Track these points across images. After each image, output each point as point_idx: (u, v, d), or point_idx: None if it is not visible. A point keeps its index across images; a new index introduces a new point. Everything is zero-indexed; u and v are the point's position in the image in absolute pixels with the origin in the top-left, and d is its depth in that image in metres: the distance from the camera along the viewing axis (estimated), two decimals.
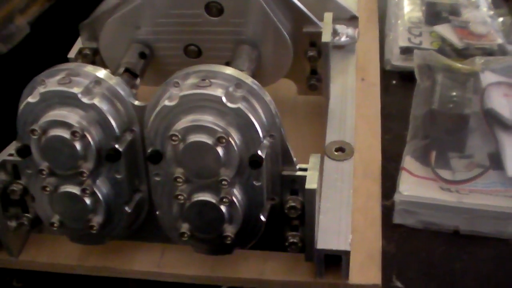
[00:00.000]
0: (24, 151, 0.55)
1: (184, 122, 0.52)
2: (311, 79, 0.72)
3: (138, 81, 0.67)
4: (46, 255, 0.63)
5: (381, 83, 0.80)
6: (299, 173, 0.55)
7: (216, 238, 0.55)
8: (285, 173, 0.55)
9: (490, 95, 0.72)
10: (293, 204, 0.55)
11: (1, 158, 0.59)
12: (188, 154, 0.52)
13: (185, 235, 0.55)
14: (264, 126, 0.53)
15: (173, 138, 0.51)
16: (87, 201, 0.55)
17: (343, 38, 0.78)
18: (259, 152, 0.52)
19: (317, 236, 0.57)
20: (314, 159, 0.57)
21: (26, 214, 0.61)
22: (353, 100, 0.72)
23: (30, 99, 0.54)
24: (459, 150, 0.69)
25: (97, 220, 0.56)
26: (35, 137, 0.53)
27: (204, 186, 0.53)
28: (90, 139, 0.53)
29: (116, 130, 0.54)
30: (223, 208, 0.53)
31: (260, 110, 0.53)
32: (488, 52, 0.82)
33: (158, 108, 0.53)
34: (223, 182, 0.52)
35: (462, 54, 0.82)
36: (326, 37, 0.67)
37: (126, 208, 0.57)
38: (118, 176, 0.56)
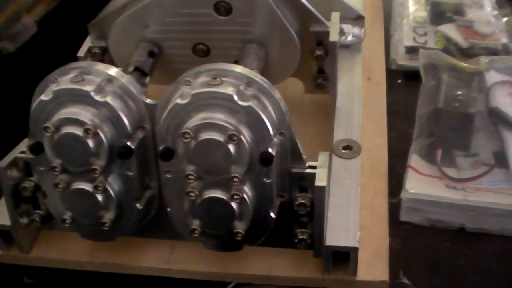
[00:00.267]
0: (37, 148, 0.56)
1: (196, 119, 0.52)
2: (318, 78, 0.73)
3: (147, 79, 0.68)
4: (57, 252, 0.64)
5: (387, 82, 0.81)
6: (308, 170, 0.56)
7: (226, 235, 0.56)
8: (294, 170, 0.56)
9: (495, 94, 0.73)
10: (302, 201, 0.56)
11: (13, 155, 0.59)
12: (200, 152, 0.52)
13: (196, 232, 0.55)
14: (274, 124, 0.54)
15: (185, 135, 0.52)
16: (99, 197, 0.56)
17: (349, 38, 0.79)
18: (270, 150, 0.53)
19: (326, 233, 0.57)
20: (323, 157, 0.57)
21: (37, 211, 0.62)
22: (360, 99, 0.72)
23: (43, 97, 0.55)
24: (464, 149, 0.70)
25: (108, 216, 0.57)
26: (48, 134, 0.54)
27: (215, 183, 0.54)
28: (102, 136, 0.54)
29: (128, 127, 0.55)
30: (233, 204, 0.54)
31: (270, 108, 0.54)
32: (492, 52, 0.82)
33: (170, 106, 0.53)
34: (234, 179, 0.53)
35: (467, 53, 0.83)
36: (333, 37, 0.68)
37: (137, 205, 0.58)
38: (130, 173, 0.56)
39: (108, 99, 0.54)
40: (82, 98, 0.54)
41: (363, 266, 0.59)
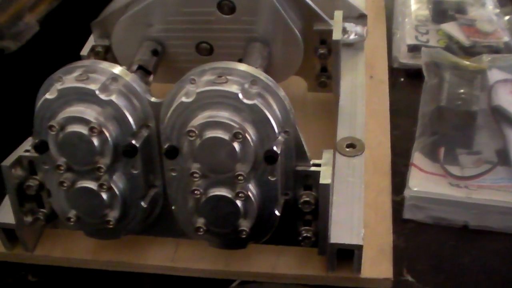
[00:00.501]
0: (41, 147, 0.56)
1: (201, 118, 0.53)
2: (321, 77, 0.73)
3: (151, 78, 0.68)
4: (61, 250, 0.64)
5: (389, 81, 0.81)
6: (313, 168, 0.56)
7: (231, 233, 0.56)
8: (299, 168, 0.56)
9: (497, 92, 0.73)
10: (307, 199, 0.56)
11: (17, 154, 0.60)
12: (205, 150, 0.53)
13: (201, 230, 0.55)
14: (279, 122, 0.54)
15: (190, 134, 0.52)
16: (104, 196, 0.56)
17: (352, 36, 0.79)
18: (275, 148, 0.53)
19: (330, 231, 0.58)
20: (327, 155, 0.57)
21: (42, 209, 0.62)
22: (363, 97, 0.73)
23: (48, 96, 0.55)
24: (467, 147, 0.70)
25: (113, 215, 0.57)
26: (53, 133, 0.54)
27: (220, 181, 0.54)
28: (107, 135, 0.54)
29: (133, 126, 0.55)
30: (238, 203, 0.54)
31: (275, 106, 0.54)
32: (494, 50, 0.82)
33: (175, 105, 0.54)
34: (239, 177, 0.53)
35: (469, 52, 0.83)
36: (337, 35, 0.68)
37: (142, 203, 0.58)
38: (135, 172, 0.56)
39: (113, 98, 0.55)
40: (87, 97, 0.54)
41: (367, 264, 0.59)
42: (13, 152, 0.60)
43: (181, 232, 0.60)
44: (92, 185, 0.56)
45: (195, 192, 0.54)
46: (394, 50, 0.86)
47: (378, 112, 0.75)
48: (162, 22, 0.70)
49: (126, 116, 0.55)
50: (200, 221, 0.56)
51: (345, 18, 0.78)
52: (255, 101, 0.52)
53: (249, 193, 0.54)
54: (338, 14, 0.71)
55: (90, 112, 0.54)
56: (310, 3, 0.69)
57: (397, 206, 0.66)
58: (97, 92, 0.54)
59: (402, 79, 0.84)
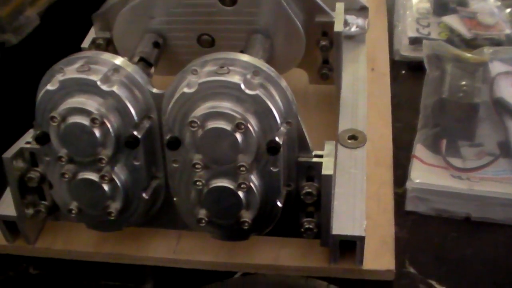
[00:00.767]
0: (43, 138, 0.56)
1: (203, 108, 0.52)
2: (323, 69, 0.73)
3: (152, 70, 0.68)
4: (62, 242, 0.64)
5: (391, 73, 0.81)
6: (315, 159, 0.56)
7: (233, 224, 0.56)
8: (301, 159, 0.56)
9: (499, 84, 0.73)
10: (309, 190, 0.56)
11: (18, 146, 0.59)
12: (207, 140, 0.52)
13: (203, 221, 0.55)
14: (281, 112, 0.54)
15: (192, 124, 0.52)
16: (106, 187, 0.56)
17: (354, 29, 0.79)
18: (277, 139, 0.53)
19: (332, 222, 0.57)
20: (329, 146, 0.57)
21: (43, 202, 0.62)
22: (364, 89, 0.72)
23: (49, 87, 0.55)
24: (469, 139, 0.70)
25: (115, 206, 0.57)
26: (54, 124, 0.54)
27: (222, 172, 0.54)
28: (109, 126, 0.54)
29: (135, 117, 0.55)
30: (240, 194, 0.54)
31: (277, 97, 0.54)
32: (496, 43, 0.82)
33: (177, 95, 0.53)
34: (241, 168, 0.53)
35: (471, 44, 0.82)
36: (338, 27, 0.68)
37: (144, 195, 0.58)
38: (136, 163, 0.56)
39: (115, 89, 0.54)
40: (89, 88, 0.54)
41: (369, 256, 0.59)
42: (14, 144, 0.60)
43: (183, 224, 0.60)
44: (93, 176, 0.56)
45: (197, 183, 0.54)
46: (395, 42, 0.86)
47: (380, 105, 0.75)
48: (163, 14, 0.69)
49: (127, 107, 0.55)
50: (202, 213, 0.55)
51: (347, 11, 0.78)
52: (257, 92, 0.52)
53: (251, 184, 0.54)
54: (340, 6, 0.71)
55: (91, 103, 0.54)
56: None
57: (399, 198, 0.66)
58: (98, 83, 0.54)
59: (403, 72, 0.83)
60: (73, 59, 0.56)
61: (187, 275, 0.61)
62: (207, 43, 0.71)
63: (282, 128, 0.54)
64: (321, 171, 0.55)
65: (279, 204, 0.56)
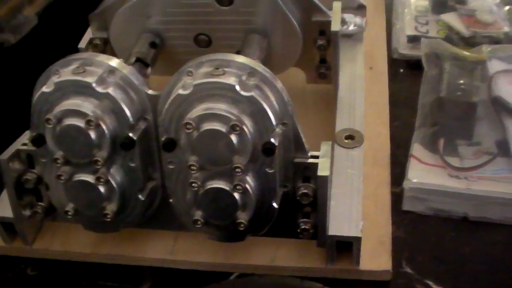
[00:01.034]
0: (38, 140, 0.56)
1: (198, 110, 0.52)
2: (320, 68, 0.72)
3: (149, 70, 0.68)
4: (60, 243, 0.64)
5: (389, 72, 0.81)
6: (311, 160, 0.56)
7: (229, 225, 0.56)
8: (297, 160, 0.56)
9: (497, 83, 0.73)
10: (305, 191, 0.56)
11: (15, 147, 0.59)
12: (202, 142, 0.52)
13: (199, 222, 0.55)
14: (277, 113, 0.54)
15: (187, 126, 0.52)
16: (102, 189, 0.56)
17: (351, 27, 0.79)
18: (272, 140, 0.53)
19: (329, 223, 0.57)
20: (325, 147, 0.57)
21: (40, 203, 0.62)
22: (362, 88, 0.72)
23: (45, 89, 0.55)
24: (467, 138, 0.69)
25: (111, 208, 0.57)
26: (50, 126, 0.54)
27: (217, 173, 0.54)
28: (104, 127, 0.54)
29: (130, 118, 0.55)
30: (236, 195, 0.54)
31: (272, 98, 0.54)
32: (494, 41, 0.82)
33: (172, 97, 0.53)
34: (237, 170, 0.53)
35: (469, 42, 0.82)
36: (335, 26, 0.68)
37: (140, 196, 0.58)
38: (132, 165, 0.56)
39: (110, 90, 0.54)
40: (84, 90, 0.54)
41: (366, 256, 0.59)
42: (11, 145, 0.60)
43: (180, 224, 0.60)
44: (89, 178, 0.56)
45: (193, 184, 0.54)
46: (393, 41, 0.86)
47: (378, 104, 0.75)
48: (160, 14, 0.69)
49: (123, 109, 0.55)
50: (198, 214, 0.55)
51: (344, 9, 0.78)
52: (252, 93, 0.52)
53: (247, 185, 0.54)
54: (337, 5, 0.70)
55: (87, 105, 0.54)
56: None
57: (397, 197, 0.66)
58: (93, 85, 0.54)
59: (401, 70, 0.83)
60: (68, 61, 0.56)
61: (185, 275, 0.61)
62: (204, 43, 0.71)
63: (277, 129, 0.54)
64: (317, 172, 0.55)
65: (275, 205, 0.56)
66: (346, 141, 0.66)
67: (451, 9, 0.87)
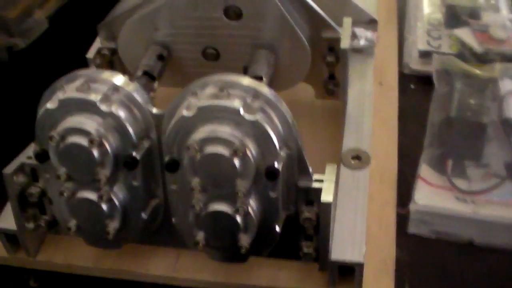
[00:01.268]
0: (42, 156, 0.56)
1: (201, 132, 0.52)
2: (329, 84, 0.72)
3: (156, 84, 0.67)
4: (63, 256, 0.64)
5: (399, 87, 0.80)
6: (315, 184, 0.55)
7: (231, 246, 0.55)
8: (301, 184, 0.55)
9: (508, 103, 0.72)
10: (308, 215, 0.55)
11: (19, 160, 0.59)
12: (205, 165, 0.52)
13: (200, 244, 0.55)
14: (281, 137, 0.53)
15: (190, 149, 0.51)
16: (104, 207, 0.56)
17: (362, 42, 0.77)
18: (276, 164, 0.52)
19: (331, 246, 0.57)
20: (330, 170, 0.57)
21: (44, 216, 0.62)
22: (370, 106, 0.71)
23: (49, 105, 0.55)
24: (476, 159, 0.69)
25: (113, 225, 0.57)
26: (53, 143, 0.54)
27: (220, 195, 0.54)
28: (107, 146, 0.54)
29: (134, 137, 0.55)
30: (238, 218, 0.53)
31: (277, 121, 0.53)
32: (508, 58, 0.81)
33: (175, 118, 0.53)
34: (239, 193, 0.52)
35: (481, 59, 0.81)
36: (344, 44, 0.67)
37: (142, 214, 0.58)
38: (135, 183, 0.56)
39: (114, 109, 0.54)
40: (88, 107, 0.54)
41: (368, 279, 0.58)
42: (16, 158, 0.60)
43: (182, 242, 0.59)
44: (92, 195, 0.56)
45: (195, 206, 0.54)
46: (405, 55, 0.85)
47: (387, 120, 0.74)
48: (168, 27, 0.69)
49: (126, 128, 0.54)
50: (200, 235, 0.55)
51: (355, 23, 0.77)
52: (256, 117, 0.51)
53: (249, 208, 0.53)
54: (347, 21, 0.70)
55: (90, 123, 0.54)
56: (318, 10, 0.68)
57: (402, 219, 0.65)
58: (97, 103, 0.53)
59: (412, 86, 0.82)
60: (73, 77, 0.56)
61: None
62: (212, 57, 0.70)
63: (281, 153, 0.53)
64: (320, 197, 0.54)
65: (277, 229, 0.55)
66: (353, 161, 0.65)
67: (464, 23, 0.85)
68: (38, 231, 0.62)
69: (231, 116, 0.52)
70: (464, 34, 0.84)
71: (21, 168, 0.59)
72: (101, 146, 0.54)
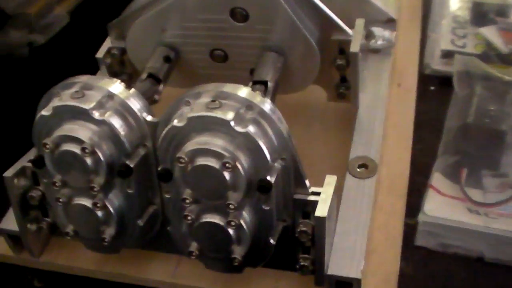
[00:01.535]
0: (39, 162, 0.56)
1: (193, 143, 0.51)
2: (340, 87, 0.69)
3: (161, 87, 0.66)
4: (66, 258, 0.64)
5: (419, 88, 0.77)
6: (311, 197, 0.53)
7: (225, 258, 0.54)
8: (297, 196, 0.54)
9: None
10: (304, 228, 0.54)
11: (21, 164, 0.59)
12: (196, 176, 0.51)
13: (193, 254, 0.54)
14: (275, 149, 0.52)
15: (180, 160, 0.50)
16: (99, 214, 0.55)
17: (380, 42, 0.75)
18: (268, 177, 0.51)
19: (330, 259, 0.55)
20: (329, 182, 0.55)
21: (46, 219, 0.62)
22: (383, 112, 0.69)
23: (44, 112, 0.54)
24: (493, 168, 0.66)
25: (109, 232, 0.56)
26: (47, 150, 0.54)
27: (212, 207, 0.52)
28: (100, 155, 0.53)
29: (127, 146, 0.54)
30: (230, 230, 0.52)
31: (271, 133, 0.51)
32: None
33: (167, 128, 0.52)
34: (231, 206, 0.51)
35: (507, 60, 0.77)
36: (355, 47, 0.64)
37: (139, 222, 0.57)
38: (130, 191, 0.55)
39: (107, 117, 0.53)
40: (82, 115, 0.53)
41: None
42: (17, 161, 0.60)
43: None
44: (87, 202, 0.55)
45: (188, 217, 0.53)
46: (426, 55, 0.81)
47: (401, 125, 0.72)
48: (176, 27, 0.68)
49: (119, 136, 0.53)
50: (193, 245, 0.54)
51: (374, 23, 0.74)
52: (247, 130, 0.50)
53: (242, 220, 0.52)
54: (360, 23, 0.67)
55: (83, 131, 0.53)
56: (327, 11, 0.65)
57: (410, 229, 0.63)
58: (90, 111, 0.53)
59: (432, 88, 0.79)
60: (69, 84, 0.55)
61: None
62: (220, 58, 0.69)
63: (276, 165, 0.52)
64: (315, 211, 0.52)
65: (271, 241, 0.54)
66: (359, 170, 0.63)
67: (491, 22, 0.81)
68: (40, 233, 0.62)
69: (222, 128, 0.50)
70: (490, 32, 0.80)
71: (22, 172, 0.59)
72: (94, 154, 0.53)
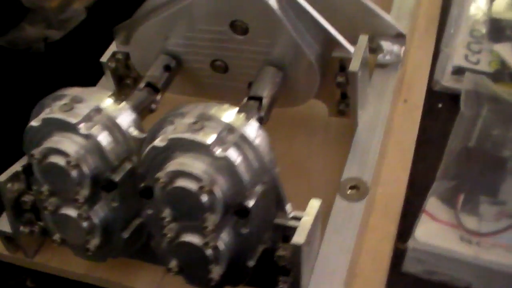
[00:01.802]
0: (28, 170, 0.57)
1: (172, 164, 0.51)
2: (341, 104, 0.68)
3: (159, 96, 0.66)
4: (58, 261, 0.65)
5: (426, 105, 0.75)
6: (290, 223, 0.53)
7: (204, 276, 0.55)
8: (277, 221, 0.54)
9: None
10: (282, 253, 0.53)
11: (14, 169, 0.60)
12: (173, 197, 0.51)
13: (172, 271, 0.55)
14: (256, 173, 0.51)
15: (159, 180, 0.51)
16: (84, 224, 0.56)
17: (388, 57, 0.73)
18: (247, 201, 0.51)
19: (310, 283, 0.55)
20: (312, 206, 0.54)
21: (39, 222, 0.63)
22: (381, 132, 0.67)
23: (34, 123, 0.55)
24: (492, 194, 0.64)
25: (94, 243, 0.57)
26: (35, 161, 0.54)
27: (191, 227, 0.53)
28: (85, 168, 0.54)
29: (113, 160, 0.54)
30: (207, 251, 0.52)
31: (252, 157, 0.51)
32: None
33: (148, 147, 0.52)
34: (207, 228, 0.51)
35: None
36: (354, 66, 0.63)
37: (123, 234, 0.58)
38: (114, 204, 0.56)
39: (93, 131, 0.54)
40: (69, 129, 0.54)
41: None
42: (12, 166, 0.61)
43: None
44: (73, 213, 0.56)
45: (167, 235, 0.53)
46: (437, 70, 0.78)
47: (403, 144, 0.70)
48: (178, 36, 0.68)
49: (105, 152, 0.54)
50: (173, 263, 0.55)
51: (382, 37, 0.73)
52: (225, 154, 0.50)
53: (220, 242, 0.52)
54: (363, 40, 0.65)
55: (69, 144, 0.54)
56: (329, 28, 0.64)
57: (400, 254, 0.62)
58: (77, 125, 0.53)
59: (440, 105, 0.76)
60: (60, 96, 0.56)
61: None
62: (221, 69, 0.68)
63: (256, 189, 0.51)
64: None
65: (249, 264, 0.54)
66: (349, 192, 0.62)
67: (508, 39, 0.79)
68: (33, 236, 0.64)
69: (201, 150, 0.50)
70: (505, 50, 0.77)
71: (15, 176, 0.60)
72: (78, 167, 0.54)
